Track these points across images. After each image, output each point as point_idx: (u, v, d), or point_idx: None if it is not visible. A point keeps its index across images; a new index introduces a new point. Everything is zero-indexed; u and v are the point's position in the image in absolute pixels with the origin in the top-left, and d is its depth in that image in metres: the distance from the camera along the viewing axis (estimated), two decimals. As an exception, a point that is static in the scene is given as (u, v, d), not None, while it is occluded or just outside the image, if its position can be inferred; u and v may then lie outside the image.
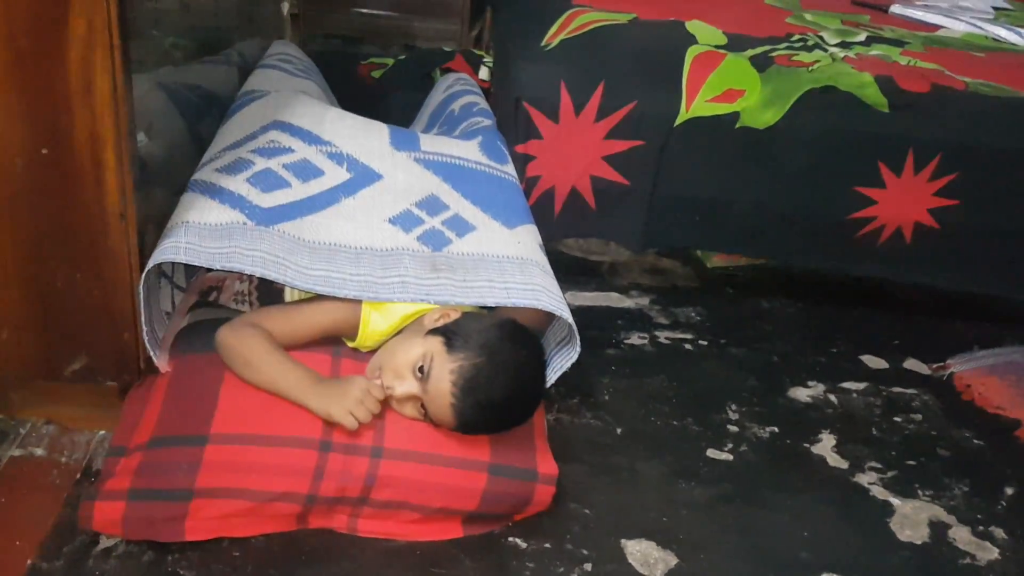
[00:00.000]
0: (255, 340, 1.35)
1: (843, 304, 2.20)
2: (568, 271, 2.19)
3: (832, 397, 1.85)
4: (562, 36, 2.03)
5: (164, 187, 1.60)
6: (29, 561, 1.22)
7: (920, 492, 1.59)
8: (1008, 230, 2.02)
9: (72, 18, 1.17)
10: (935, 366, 2.00)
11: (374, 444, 1.32)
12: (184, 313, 1.53)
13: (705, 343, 2.00)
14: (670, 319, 2.08)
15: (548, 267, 1.57)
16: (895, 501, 1.56)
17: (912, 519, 1.53)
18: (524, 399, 1.35)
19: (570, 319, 1.45)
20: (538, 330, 1.55)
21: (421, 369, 1.31)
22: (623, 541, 1.40)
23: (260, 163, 1.56)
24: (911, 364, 2.01)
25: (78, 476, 1.38)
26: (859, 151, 1.93)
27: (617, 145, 1.92)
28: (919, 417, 1.82)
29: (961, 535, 1.50)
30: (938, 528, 1.51)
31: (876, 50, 2.18)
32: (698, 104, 1.91)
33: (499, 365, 1.30)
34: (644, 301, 2.15)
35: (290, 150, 1.61)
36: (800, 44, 2.14)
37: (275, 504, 1.29)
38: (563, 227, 2.01)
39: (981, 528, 1.52)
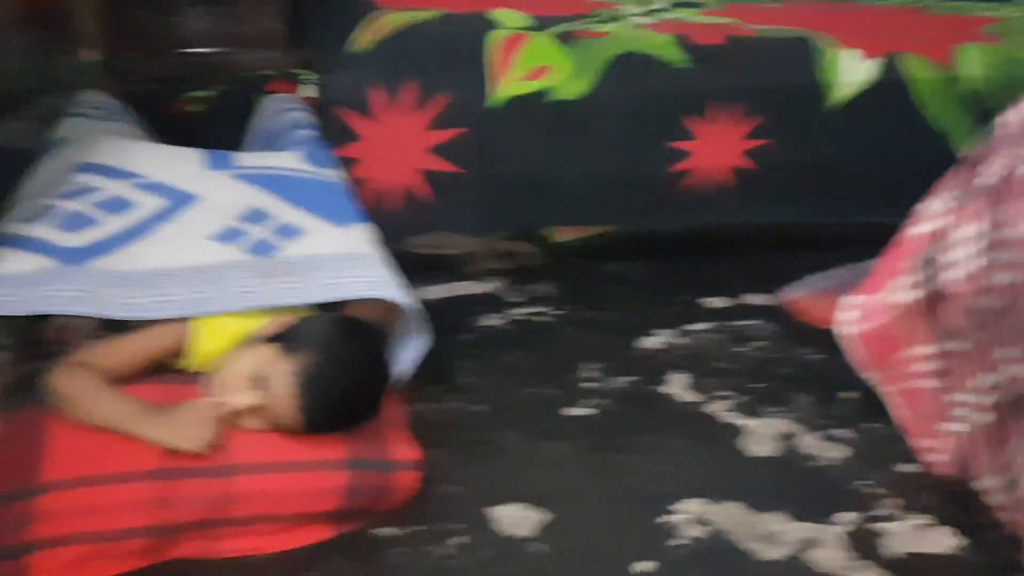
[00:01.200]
0: (81, 379, 1.31)
1: (683, 256, 2.29)
2: (417, 268, 2.20)
3: (680, 340, 1.93)
4: (370, 39, 2.06)
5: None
6: None
7: (767, 410, 1.68)
8: (816, 161, 2.15)
9: None
10: (774, 295, 2.10)
11: (222, 463, 1.30)
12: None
13: (559, 313, 2.06)
14: (523, 297, 2.13)
15: (385, 260, 1.59)
16: (744, 422, 1.65)
17: (761, 435, 1.61)
18: (368, 389, 1.37)
19: (415, 304, 1.48)
20: (387, 325, 1.57)
21: (260, 378, 1.31)
22: (493, 509, 1.43)
23: (66, 206, 1.53)
24: (749, 299, 2.12)
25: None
26: (667, 107, 2.03)
27: (441, 136, 1.96)
28: (761, 343, 1.92)
29: (807, 441, 1.60)
30: (786, 439, 1.60)
31: (675, 14, 2.29)
32: (508, 85, 1.96)
33: (338, 359, 1.31)
34: (497, 284, 2.19)
35: (98, 189, 1.58)
36: (599, 18, 2.23)
37: (122, 542, 1.25)
38: (404, 226, 2.04)
39: (826, 432, 1.62)
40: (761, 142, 2.10)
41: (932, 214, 1.47)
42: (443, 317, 2.00)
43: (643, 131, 2.04)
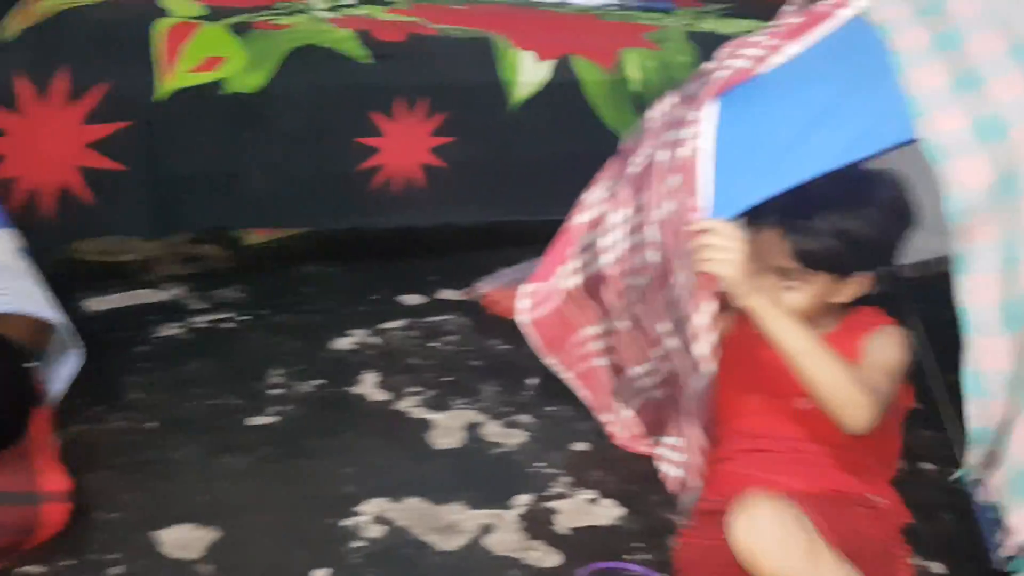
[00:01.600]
0: None
1: (380, 255, 2.28)
2: (86, 278, 2.04)
3: (373, 339, 1.91)
4: (18, 25, 1.86)
5: None
6: None
7: (455, 402, 1.70)
8: (502, 158, 2.20)
9: None
10: (465, 290, 2.14)
11: None
12: None
13: (247, 318, 1.97)
14: (208, 303, 2.01)
15: (27, 271, 1.43)
16: (432, 416, 1.66)
17: (447, 427, 1.63)
18: (5, 414, 1.22)
19: (60, 319, 1.33)
20: (35, 342, 1.40)
21: None
22: (156, 533, 1.32)
23: None
24: (444, 295, 2.14)
25: None
26: (351, 103, 2.00)
27: (101, 130, 1.80)
28: (453, 338, 1.95)
29: (492, 429, 1.63)
30: (471, 429, 1.63)
31: (362, 10, 2.27)
32: (177, 76, 1.84)
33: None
34: (178, 291, 2.06)
35: None
36: (282, 11, 2.15)
37: None
38: (62, 231, 1.85)
39: (509, 419, 1.66)
40: (448, 139, 2.12)
41: (592, 202, 1.56)
42: (113, 329, 1.87)
43: (327, 126, 2.00)
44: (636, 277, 1.38)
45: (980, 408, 1.07)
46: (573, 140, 2.26)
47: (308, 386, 1.73)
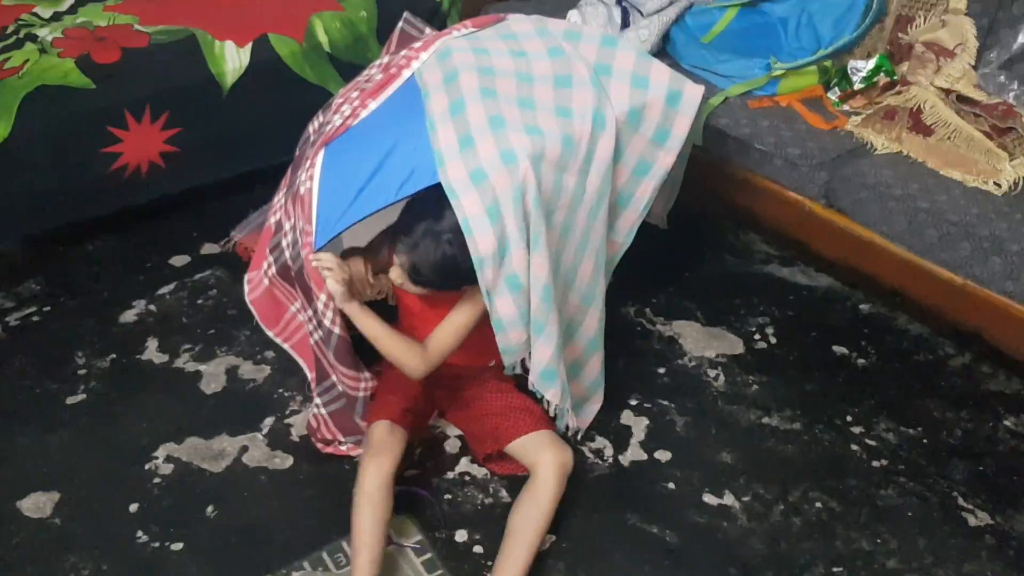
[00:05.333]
0: None
1: (150, 222, 2.80)
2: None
3: (152, 307, 2.51)
4: None
5: None
6: None
7: (218, 351, 2.35)
8: (224, 133, 2.70)
9: None
10: (222, 242, 2.71)
11: None
12: None
13: (49, 308, 2.50)
14: (15, 300, 2.53)
15: None
16: (202, 367, 2.31)
17: (214, 374, 2.29)
18: None
19: None
20: None
21: None
22: (18, 502, 1.95)
23: None
24: (207, 248, 2.72)
25: None
26: (88, 124, 2.45)
27: None
28: (214, 292, 2.56)
29: (246, 369, 2.30)
30: (231, 372, 2.29)
31: (81, 16, 2.64)
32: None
33: None
34: (-14, 292, 2.57)
35: None
36: (12, 40, 2.51)
37: None
38: None
39: (258, 358, 2.33)
40: (176, 130, 2.61)
41: (277, 206, 2.14)
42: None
43: (73, 147, 2.46)
44: (295, 265, 2.00)
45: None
46: (287, 102, 2.77)
47: (105, 361, 2.33)
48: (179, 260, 2.68)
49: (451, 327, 1.87)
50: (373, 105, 1.91)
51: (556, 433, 1.94)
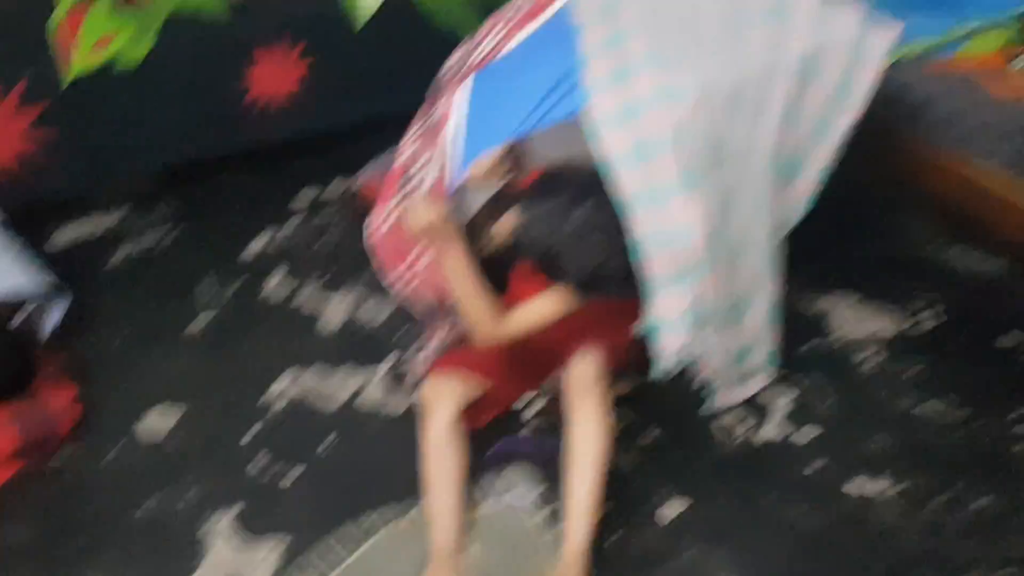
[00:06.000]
0: None
1: (278, 160, 2.77)
2: (49, 210, 2.56)
3: (276, 242, 2.48)
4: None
5: None
6: None
7: (341, 288, 2.30)
8: (355, 71, 2.66)
9: None
10: (347, 184, 2.67)
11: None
12: None
13: (179, 234, 2.51)
14: (147, 223, 2.55)
15: (9, 245, 1.96)
16: (322, 304, 2.26)
17: (335, 310, 2.24)
18: (7, 371, 1.83)
19: (43, 281, 1.89)
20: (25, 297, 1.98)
21: None
22: (139, 421, 1.96)
23: None
24: (331, 189, 2.68)
25: None
26: (222, 52, 2.44)
27: (32, 112, 2.27)
28: (338, 230, 2.51)
29: (366, 310, 2.24)
30: (351, 312, 2.24)
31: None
32: (80, 59, 2.27)
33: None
34: (123, 213, 2.58)
35: None
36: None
37: None
38: (24, 191, 2.36)
39: (379, 299, 2.27)
40: (310, 59, 2.57)
41: (406, 146, 2.06)
42: (80, 257, 2.41)
43: (207, 76, 2.45)
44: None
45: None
46: (417, 46, 2.69)
47: (229, 291, 2.31)
48: (304, 199, 2.65)
49: (535, 313, 1.72)
50: (521, 35, 1.80)
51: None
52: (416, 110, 2.02)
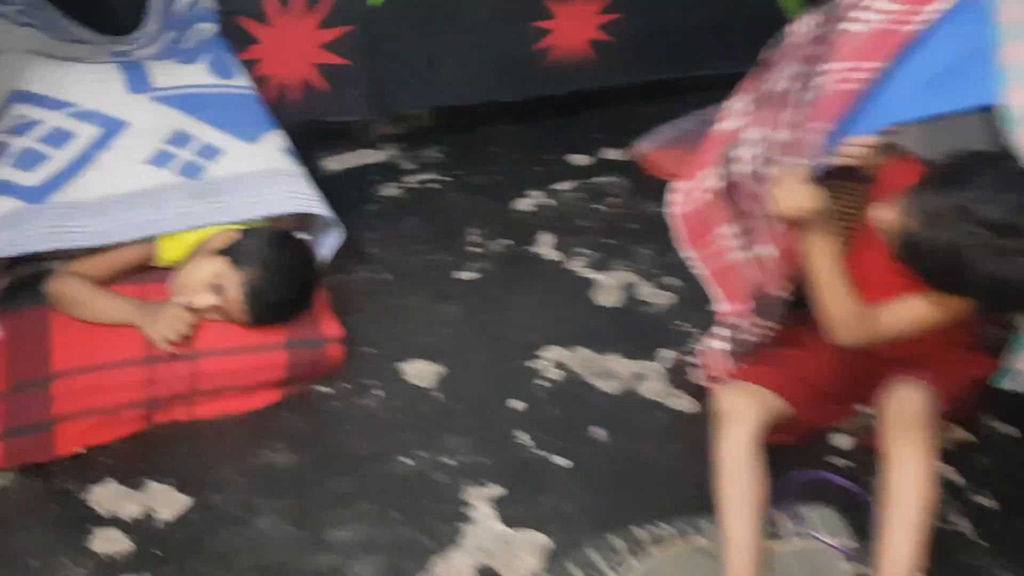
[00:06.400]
0: (79, 284, 1.67)
1: (551, 112, 2.62)
2: (321, 138, 2.51)
3: (548, 200, 2.32)
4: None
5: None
6: (-54, 516, 1.56)
7: (615, 264, 2.12)
8: (663, 27, 2.47)
9: None
10: (626, 149, 2.49)
11: (190, 350, 1.69)
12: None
13: (448, 179, 2.41)
14: (416, 163, 2.46)
15: (296, 170, 1.90)
16: (597, 276, 2.09)
17: (609, 287, 2.06)
18: (301, 292, 1.75)
19: (323, 211, 1.82)
20: (306, 223, 1.92)
21: (216, 285, 1.67)
22: (402, 365, 1.86)
23: (16, 143, 1.78)
24: (609, 154, 2.50)
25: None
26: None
27: (331, 33, 2.20)
28: (615, 200, 2.33)
29: (645, 290, 2.05)
30: (628, 289, 2.05)
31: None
32: (389, -20, 2.19)
33: (277, 272, 1.68)
34: (393, 151, 2.51)
35: (39, 122, 1.82)
36: None
37: (122, 413, 1.66)
38: (301, 112, 2.31)
39: (660, 280, 2.07)
40: (615, 16, 2.39)
41: (734, 112, 1.85)
42: (348, 189, 2.35)
43: (509, 14, 2.31)
44: (760, 185, 1.70)
45: None
46: (731, 6, 2.47)
47: (498, 245, 2.18)
48: (578, 159, 2.48)
49: (912, 313, 1.47)
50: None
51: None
52: (717, 77, 1.82)
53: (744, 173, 1.74)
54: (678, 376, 1.84)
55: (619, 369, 1.86)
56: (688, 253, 1.95)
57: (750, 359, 1.65)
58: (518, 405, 1.78)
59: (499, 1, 2.29)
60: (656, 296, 2.04)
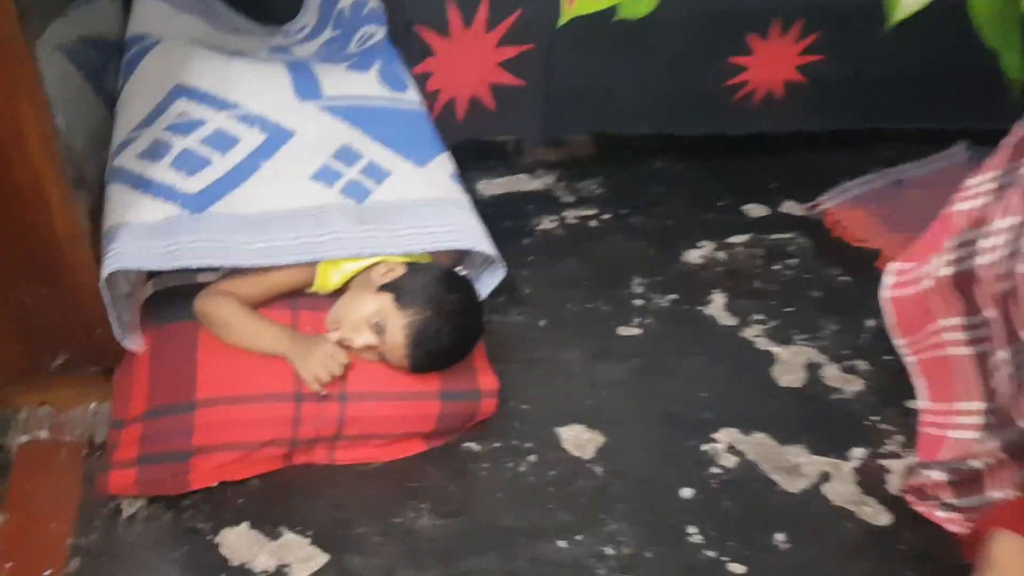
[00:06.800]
0: (231, 306, 1.54)
1: (723, 154, 2.41)
2: (477, 157, 2.35)
3: (720, 254, 2.11)
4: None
5: (90, 163, 1.70)
6: (69, 540, 1.45)
7: (797, 337, 1.90)
8: (866, 75, 2.23)
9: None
10: (808, 205, 2.26)
11: (340, 391, 1.54)
12: (143, 285, 1.68)
13: (608, 216, 2.22)
14: (575, 196, 2.28)
15: (464, 199, 1.74)
16: (776, 349, 1.87)
17: (790, 364, 1.84)
18: (467, 340, 1.59)
19: (490, 250, 1.65)
20: (459, 259, 1.76)
21: (377, 324, 1.52)
22: (558, 429, 1.68)
23: (178, 143, 1.66)
24: (787, 207, 2.27)
25: (85, 452, 1.58)
26: (729, 25, 2.09)
27: (509, 51, 2.03)
28: (795, 262, 2.10)
29: (831, 372, 1.82)
30: (812, 369, 1.83)
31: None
32: (577, 4, 2.01)
33: (444, 316, 1.52)
34: (550, 180, 2.33)
35: (202, 122, 1.71)
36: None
37: (263, 451, 1.53)
38: (466, 131, 2.15)
39: (847, 363, 1.84)
40: (815, 58, 2.17)
41: (977, 191, 1.61)
42: (502, 218, 2.17)
43: (704, 48, 2.11)
44: (1007, 283, 1.46)
45: None
46: (946, 58, 2.23)
47: (664, 300, 1.98)
48: (754, 209, 2.26)
49: None
50: None
51: None
52: (912, 130, 1.56)
53: (984, 265, 1.50)
54: (870, 481, 1.61)
55: (802, 464, 1.64)
56: (899, 340, 1.72)
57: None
58: (687, 493, 1.58)
59: (698, 33, 2.08)
60: (844, 381, 1.81)
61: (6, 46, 1.22)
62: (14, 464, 1.55)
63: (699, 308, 1.97)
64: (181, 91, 1.77)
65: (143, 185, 1.59)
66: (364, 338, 1.53)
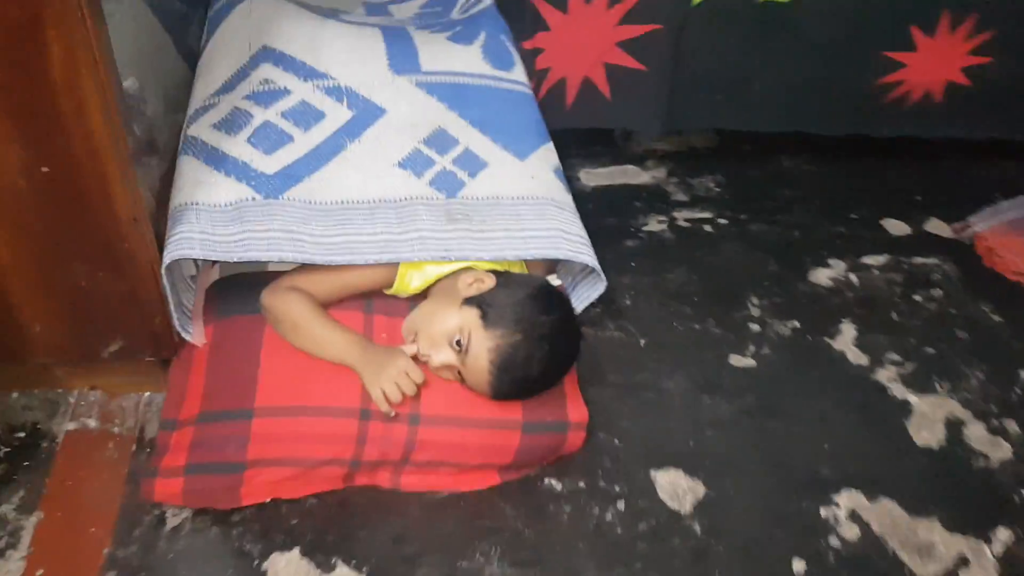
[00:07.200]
0: (301, 305, 1.37)
1: (862, 156, 2.14)
2: (581, 143, 2.14)
3: (853, 277, 1.86)
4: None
5: (165, 127, 1.56)
6: (106, 550, 1.32)
7: (938, 385, 1.65)
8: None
9: (50, 45, 1.09)
10: (957, 225, 1.98)
11: (411, 412, 1.36)
12: (209, 271, 1.54)
13: (725, 222, 1.99)
14: (688, 194, 2.05)
15: (566, 199, 1.53)
16: (913, 399, 1.62)
17: (929, 418, 1.59)
18: (558, 368, 1.39)
19: (592, 262, 1.44)
20: (551, 268, 1.56)
21: (459, 342, 1.33)
22: (652, 472, 1.47)
23: (258, 115, 1.49)
24: (933, 226, 2.00)
25: (133, 448, 1.45)
26: (889, 16, 1.81)
27: (632, 30, 1.80)
28: (939, 293, 1.84)
29: (976, 433, 1.57)
30: (954, 428, 1.58)
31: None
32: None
33: (535, 341, 1.32)
34: (661, 173, 2.11)
35: (286, 92, 1.53)
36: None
37: (322, 469, 1.37)
38: (576, 117, 1.94)
39: (995, 423, 1.58)
40: (983, 60, 1.88)
41: None
42: (604, 214, 1.96)
43: (858, 38, 1.85)
44: None
45: None
46: None
47: (785, 327, 1.74)
48: (894, 226, 1.99)
49: None
50: None
51: None
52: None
53: None
54: (1016, 570, 1.37)
55: (937, 543, 1.40)
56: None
57: None
58: (799, 567, 1.36)
59: (854, 21, 1.81)
60: (990, 444, 1.55)
61: (64, 8, 1.06)
62: (58, 455, 1.43)
63: (825, 340, 1.73)
64: (268, 54, 1.60)
65: (216, 161, 1.43)
66: (443, 356, 1.35)
